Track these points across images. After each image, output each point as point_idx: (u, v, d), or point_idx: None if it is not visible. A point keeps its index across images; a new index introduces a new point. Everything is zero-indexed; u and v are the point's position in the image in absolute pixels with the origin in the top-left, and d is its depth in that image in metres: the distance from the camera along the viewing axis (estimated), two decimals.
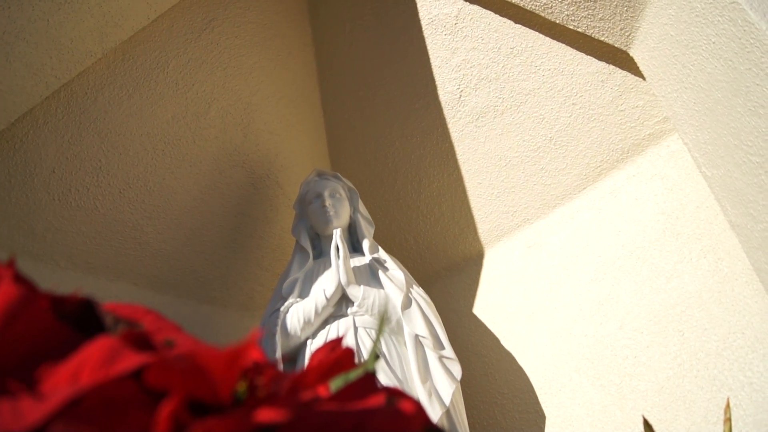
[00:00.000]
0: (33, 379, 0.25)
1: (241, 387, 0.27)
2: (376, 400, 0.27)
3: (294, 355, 1.96)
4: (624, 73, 2.14)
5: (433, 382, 1.84)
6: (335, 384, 0.29)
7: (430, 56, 2.41)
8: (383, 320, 0.29)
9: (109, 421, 0.24)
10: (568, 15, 2.02)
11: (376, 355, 0.31)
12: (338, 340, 0.31)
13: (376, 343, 0.31)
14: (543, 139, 2.32)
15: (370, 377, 0.29)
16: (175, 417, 0.24)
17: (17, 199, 1.97)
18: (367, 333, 1.90)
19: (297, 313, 1.95)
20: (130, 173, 2.20)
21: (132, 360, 0.25)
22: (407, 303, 1.96)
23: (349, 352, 0.31)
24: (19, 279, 0.28)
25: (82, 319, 0.30)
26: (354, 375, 0.29)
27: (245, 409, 0.24)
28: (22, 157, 1.96)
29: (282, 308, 1.98)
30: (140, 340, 0.28)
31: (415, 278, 2.17)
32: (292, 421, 0.24)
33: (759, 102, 1.49)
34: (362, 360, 1.82)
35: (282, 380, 0.27)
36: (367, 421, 0.25)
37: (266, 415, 0.24)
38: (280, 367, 1.86)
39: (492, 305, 2.40)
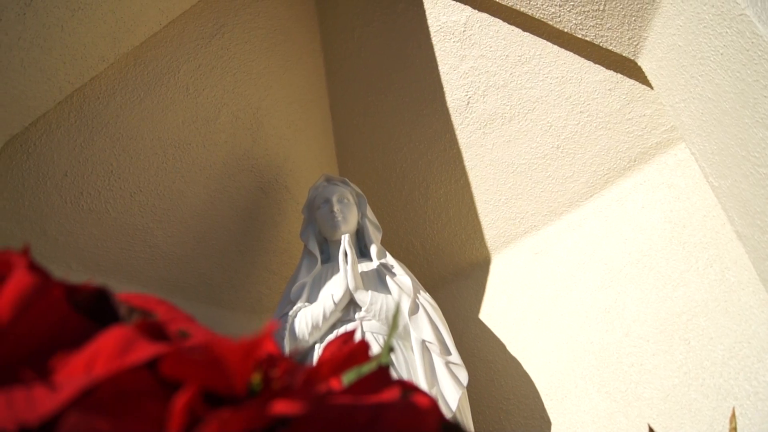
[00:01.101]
0: (47, 368, 0.25)
1: (256, 379, 0.27)
2: (391, 394, 0.27)
3: (302, 359, 1.96)
4: (632, 81, 2.14)
5: (439, 387, 1.84)
6: (348, 377, 0.29)
7: (439, 63, 2.41)
8: (397, 316, 0.29)
9: (123, 412, 0.23)
10: (576, 24, 2.02)
11: (389, 348, 0.31)
12: (350, 333, 0.31)
13: (389, 337, 0.31)
14: (550, 146, 2.32)
15: (384, 371, 0.28)
16: (190, 408, 0.24)
17: (30, 202, 1.99)
18: (375, 338, 1.90)
19: (305, 318, 1.95)
20: (140, 177, 2.21)
21: (147, 350, 0.25)
22: (414, 308, 1.96)
23: (363, 345, 0.31)
24: (34, 267, 0.28)
25: (96, 308, 0.30)
26: (367, 368, 0.29)
27: (260, 401, 0.24)
28: (36, 160, 1.97)
29: (290, 312, 1.98)
30: (155, 330, 0.28)
31: (421, 283, 2.17)
32: (306, 414, 0.24)
33: (766, 114, 1.48)
34: None
35: (296, 373, 0.27)
36: (382, 415, 0.25)
37: (281, 407, 0.24)
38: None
39: (498, 311, 2.40)
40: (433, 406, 0.27)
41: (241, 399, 0.26)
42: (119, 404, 0.24)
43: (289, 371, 0.27)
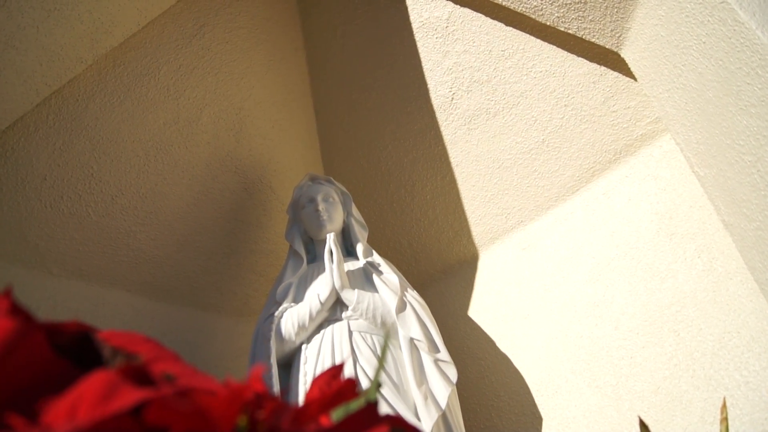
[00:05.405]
0: (29, 414, 0.25)
1: (242, 421, 0.26)
2: (380, 431, 0.26)
3: (289, 359, 1.95)
4: (615, 74, 2.15)
5: (428, 385, 1.84)
6: (336, 415, 0.28)
7: (422, 59, 2.40)
8: (387, 343, 0.29)
9: None
10: (558, 17, 2.02)
11: (378, 384, 0.30)
12: (339, 368, 0.30)
13: (378, 372, 0.30)
14: (536, 140, 2.32)
15: (372, 407, 0.28)
16: None
17: (9, 207, 1.96)
18: (362, 337, 1.89)
19: (291, 318, 1.95)
20: (122, 180, 2.18)
21: (130, 396, 0.24)
22: (402, 306, 1.96)
23: (351, 383, 0.30)
24: (16, 310, 0.28)
25: (79, 350, 0.29)
26: (356, 405, 0.28)
27: None
28: (14, 164, 1.95)
29: (276, 313, 1.98)
30: (138, 374, 0.27)
31: (409, 281, 2.17)
32: None
33: (750, 101, 1.49)
34: (358, 366, 1.81)
35: (283, 413, 0.26)
36: None
37: None
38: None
39: (487, 308, 2.40)
40: None
41: None
42: None
43: (276, 412, 0.27)
